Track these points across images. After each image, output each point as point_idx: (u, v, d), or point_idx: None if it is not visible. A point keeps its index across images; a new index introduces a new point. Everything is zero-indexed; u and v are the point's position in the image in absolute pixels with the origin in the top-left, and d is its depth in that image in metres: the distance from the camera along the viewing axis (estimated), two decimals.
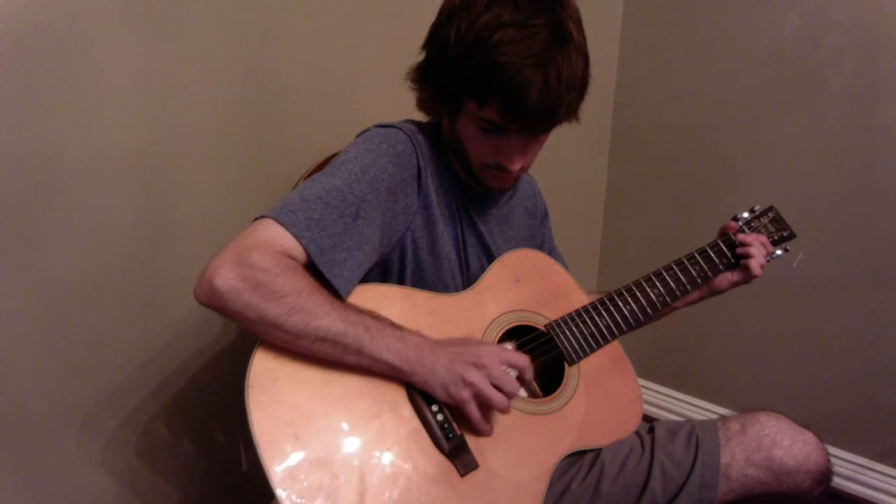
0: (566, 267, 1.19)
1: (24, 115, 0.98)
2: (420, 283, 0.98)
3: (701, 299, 1.15)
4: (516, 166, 0.95)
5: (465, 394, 0.85)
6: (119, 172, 1.09)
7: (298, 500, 0.75)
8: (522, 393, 1.00)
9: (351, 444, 0.81)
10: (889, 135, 1.53)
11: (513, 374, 0.92)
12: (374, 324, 0.84)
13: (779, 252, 1.15)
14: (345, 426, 0.82)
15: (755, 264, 1.08)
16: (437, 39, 0.94)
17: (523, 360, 0.90)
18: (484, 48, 0.85)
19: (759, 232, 1.13)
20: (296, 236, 0.82)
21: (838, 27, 1.55)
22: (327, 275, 0.83)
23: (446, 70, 0.91)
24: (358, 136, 0.98)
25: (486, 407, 0.87)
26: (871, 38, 1.52)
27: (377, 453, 0.82)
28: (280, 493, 0.75)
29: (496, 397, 0.85)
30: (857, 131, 1.57)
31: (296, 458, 0.77)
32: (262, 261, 0.78)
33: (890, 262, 1.57)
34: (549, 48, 0.85)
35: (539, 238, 1.22)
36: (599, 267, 2.19)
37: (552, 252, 1.23)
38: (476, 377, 0.84)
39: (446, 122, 1.00)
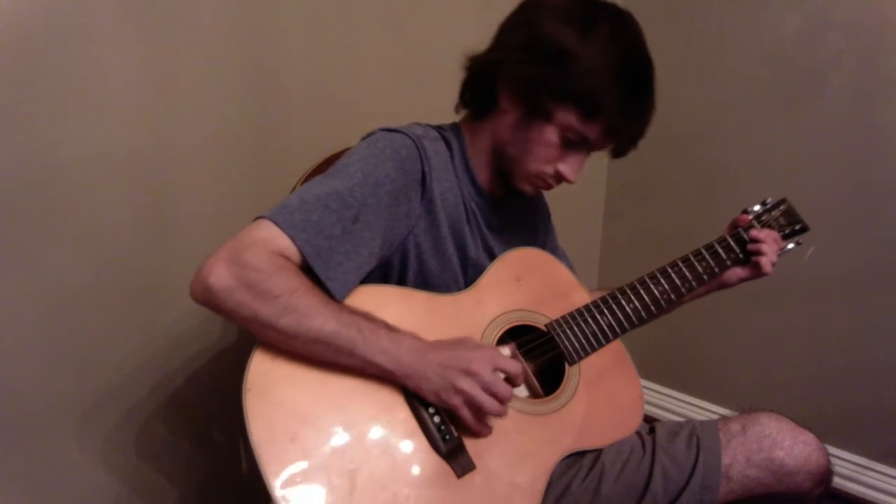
0: (570, 265, 1.18)
1: (25, 116, 0.98)
2: (423, 284, 0.98)
3: (708, 292, 1.13)
4: (576, 178, 0.98)
5: (457, 400, 0.84)
6: (119, 173, 1.09)
7: (296, 502, 0.75)
8: (523, 392, 1.00)
9: (348, 446, 0.81)
10: (889, 135, 1.53)
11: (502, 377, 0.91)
12: (368, 326, 0.83)
13: (790, 245, 1.12)
14: (342, 428, 0.81)
15: (766, 262, 1.06)
16: (537, 42, 0.92)
17: (515, 367, 0.89)
18: (610, 70, 0.89)
19: (769, 225, 1.10)
20: (291, 237, 0.81)
21: (838, 27, 1.55)
22: (322, 277, 0.83)
23: (552, 77, 0.90)
24: (362, 139, 0.97)
25: (480, 412, 0.86)
26: (871, 38, 1.52)
27: (374, 455, 0.82)
28: (277, 494, 0.75)
29: (488, 402, 0.85)
30: (857, 131, 1.57)
31: (293, 459, 0.77)
32: (255, 260, 0.78)
33: (890, 262, 1.57)
34: (651, 77, 0.95)
35: (542, 237, 1.21)
36: (600, 266, 2.19)
37: (556, 250, 1.22)
38: (466, 384, 0.84)
39: (501, 122, 0.98)
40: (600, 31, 0.90)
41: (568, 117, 0.92)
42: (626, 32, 0.93)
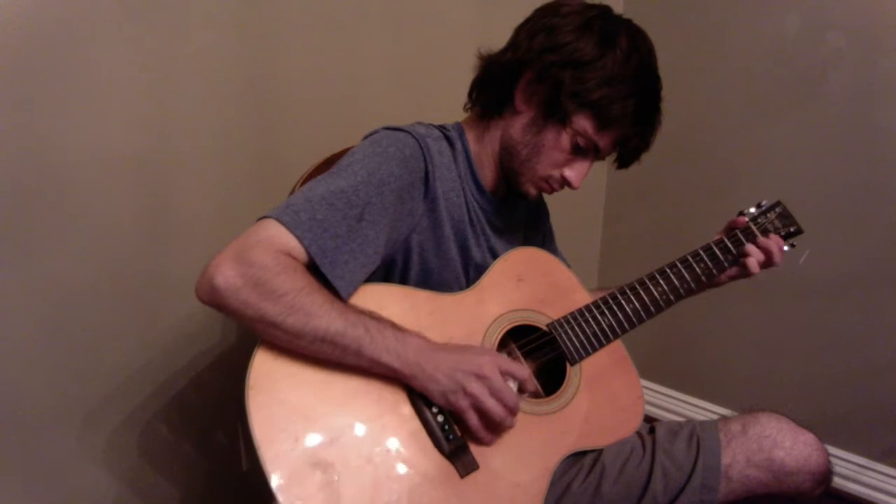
0: (568, 266, 1.18)
1: (25, 116, 0.98)
2: (425, 283, 0.98)
3: (700, 290, 1.14)
4: (580, 184, 1.00)
5: (464, 403, 0.84)
6: (120, 173, 1.09)
7: (298, 502, 0.75)
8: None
9: (351, 446, 0.81)
10: (889, 135, 1.53)
11: (513, 385, 0.91)
12: (375, 325, 0.84)
13: (785, 248, 1.13)
14: (345, 427, 0.81)
15: (753, 262, 1.07)
16: (558, 48, 0.93)
17: (524, 371, 0.89)
18: (626, 82, 0.92)
19: (766, 228, 1.11)
20: (297, 237, 0.81)
21: (838, 27, 1.55)
22: (329, 276, 0.83)
23: (573, 82, 0.92)
24: (365, 137, 0.97)
25: (487, 417, 0.86)
26: (871, 38, 1.52)
27: (377, 454, 0.82)
28: (279, 494, 0.75)
29: (496, 409, 0.85)
30: (857, 131, 1.57)
31: (295, 459, 0.77)
32: (262, 259, 0.78)
33: (890, 262, 1.57)
34: (660, 93, 0.98)
35: (542, 237, 1.22)
36: (599, 267, 2.19)
37: (554, 253, 1.22)
38: (476, 388, 0.84)
39: (513, 122, 0.99)
40: (620, 43, 0.92)
41: (584, 124, 0.94)
42: (642, 48, 0.95)
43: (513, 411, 0.87)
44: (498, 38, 1.01)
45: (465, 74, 1.04)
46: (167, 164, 1.15)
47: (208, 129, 1.19)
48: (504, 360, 0.88)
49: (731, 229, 1.12)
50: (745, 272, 1.09)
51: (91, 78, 1.03)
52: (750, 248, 1.07)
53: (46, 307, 1.05)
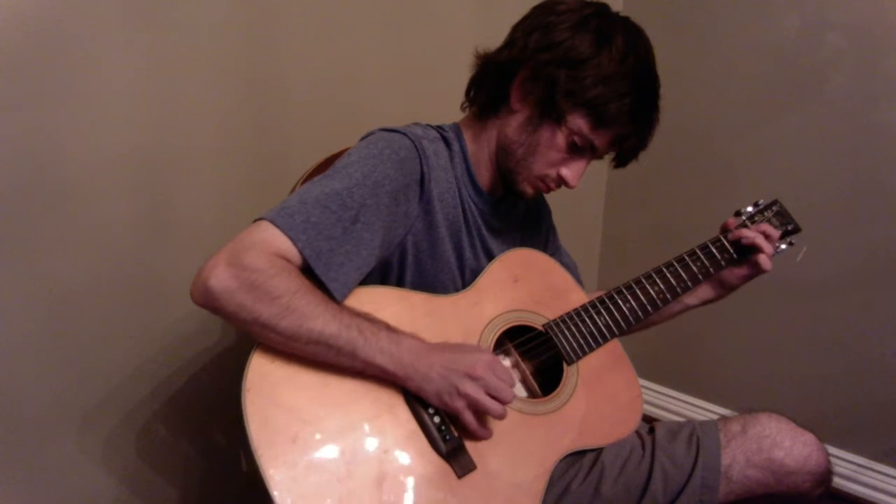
0: (574, 263, 1.18)
1: (25, 116, 0.98)
2: (421, 285, 0.98)
3: (718, 297, 1.13)
4: (576, 183, 0.99)
5: (460, 403, 0.85)
6: (120, 173, 1.09)
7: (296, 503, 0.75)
8: (522, 393, 1.00)
9: (348, 447, 0.81)
10: (889, 135, 1.53)
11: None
12: (369, 326, 0.84)
13: (783, 246, 1.13)
14: (342, 429, 0.81)
15: (764, 259, 1.05)
16: (554, 46, 0.93)
17: (510, 377, 0.89)
18: (622, 80, 0.91)
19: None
20: (292, 239, 0.81)
21: (838, 27, 1.55)
22: (323, 278, 0.83)
23: (568, 81, 0.92)
24: (361, 139, 0.97)
25: (483, 414, 0.87)
26: (871, 38, 1.52)
27: (374, 456, 0.82)
28: (277, 496, 0.75)
29: (492, 405, 0.85)
30: (857, 131, 1.57)
31: (293, 461, 0.77)
32: (256, 262, 0.78)
33: (889, 262, 1.57)
34: (658, 91, 0.97)
35: (544, 236, 1.21)
36: (599, 267, 2.19)
37: (558, 250, 1.22)
38: (470, 388, 0.84)
39: (509, 121, 0.98)
40: (615, 41, 0.92)
41: (579, 123, 0.94)
42: (639, 46, 0.95)
43: (507, 403, 0.87)
44: (497, 38, 1.01)
45: (464, 75, 1.04)
46: (167, 164, 1.15)
47: (208, 129, 1.19)
48: (496, 364, 0.88)
49: (725, 229, 1.11)
50: (757, 269, 1.07)
51: (91, 78, 1.03)
52: (757, 241, 1.05)
53: (44, 306, 1.05)
